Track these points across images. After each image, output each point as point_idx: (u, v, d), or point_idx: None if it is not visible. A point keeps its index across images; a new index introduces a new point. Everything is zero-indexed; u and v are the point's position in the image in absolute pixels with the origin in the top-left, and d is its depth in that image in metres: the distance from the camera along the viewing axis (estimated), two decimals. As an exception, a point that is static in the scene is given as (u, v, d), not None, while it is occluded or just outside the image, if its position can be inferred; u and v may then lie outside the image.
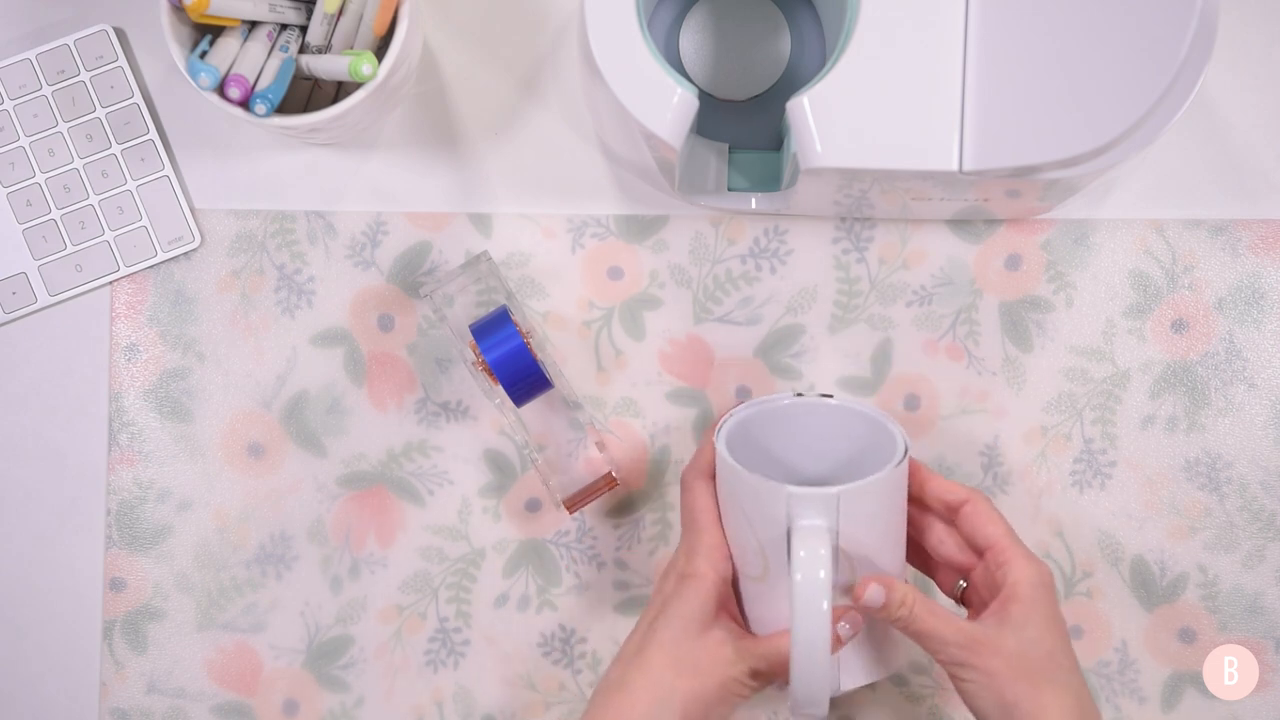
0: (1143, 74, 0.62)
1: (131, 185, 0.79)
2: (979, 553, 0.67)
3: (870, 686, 0.79)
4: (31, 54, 0.78)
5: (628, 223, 0.79)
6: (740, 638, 0.67)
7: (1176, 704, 0.78)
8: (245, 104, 0.70)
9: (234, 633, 0.79)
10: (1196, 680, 0.78)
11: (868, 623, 0.67)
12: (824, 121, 0.65)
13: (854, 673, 0.68)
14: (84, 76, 0.78)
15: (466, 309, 0.79)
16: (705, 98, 0.77)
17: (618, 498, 0.79)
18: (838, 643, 0.66)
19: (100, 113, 0.78)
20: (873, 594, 0.65)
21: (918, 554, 0.71)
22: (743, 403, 0.73)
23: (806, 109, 0.65)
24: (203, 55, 0.70)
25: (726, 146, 0.77)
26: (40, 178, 0.79)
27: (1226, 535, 0.78)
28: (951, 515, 0.69)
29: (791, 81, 0.78)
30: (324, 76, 0.72)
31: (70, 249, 0.79)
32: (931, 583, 0.72)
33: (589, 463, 0.79)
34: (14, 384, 0.80)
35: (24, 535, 0.80)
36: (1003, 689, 0.63)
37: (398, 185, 0.80)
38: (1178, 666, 0.79)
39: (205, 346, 0.79)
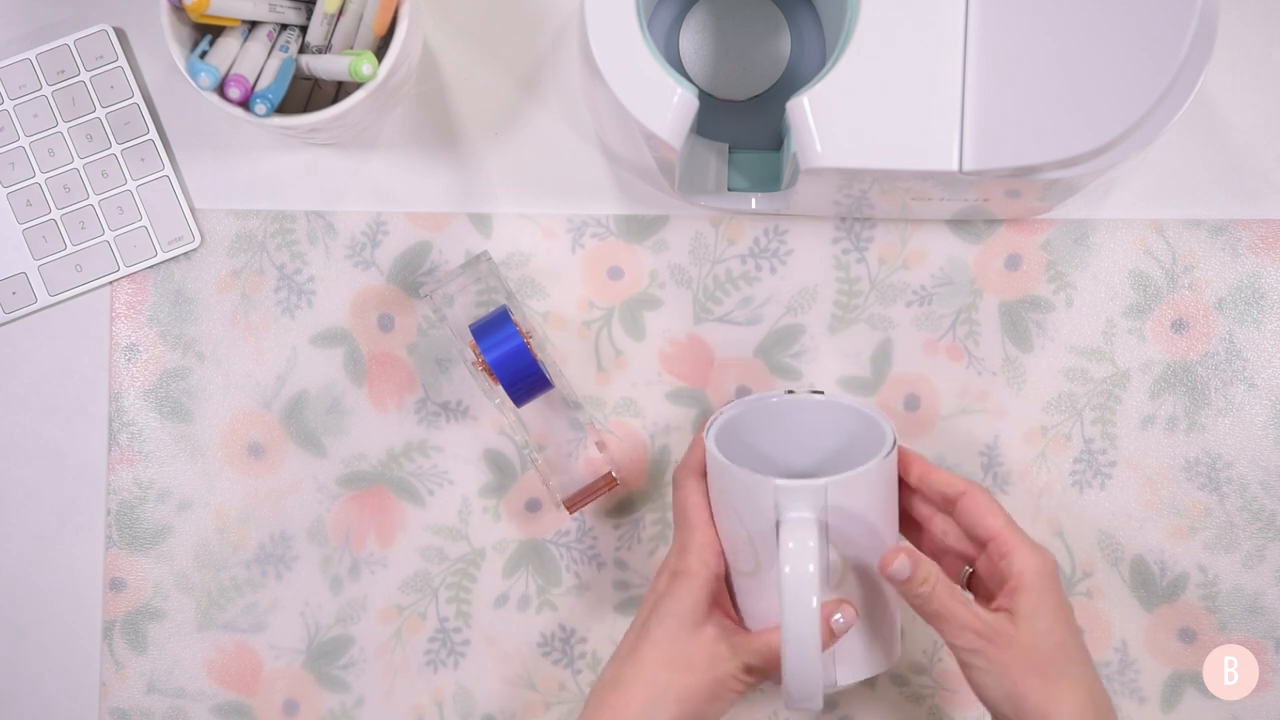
0: (1143, 74, 0.62)
1: (131, 185, 0.79)
2: (980, 545, 0.67)
3: (870, 686, 0.79)
4: (31, 54, 0.78)
5: (628, 223, 0.79)
6: (734, 633, 0.67)
7: (1176, 704, 0.78)
8: (245, 104, 0.70)
9: (234, 633, 0.79)
10: (1196, 680, 0.78)
11: (865, 614, 0.67)
12: (824, 121, 0.65)
13: (851, 667, 0.68)
14: (84, 76, 0.78)
15: (466, 309, 0.79)
16: (705, 98, 0.77)
17: (618, 498, 0.79)
18: (832, 636, 0.66)
19: (100, 113, 0.78)
20: (900, 565, 0.64)
21: (921, 543, 0.71)
22: (732, 401, 0.73)
23: (806, 109, 0.65)
24: (203, 55, 0.70)
25: (726, 146, 0.77)
26: (40, 178, 0.79)
27: (1226, 535, 0.78)
28: (949, 508, 0.69)
29: (791, 81, 0.78)
30: (324, 76, 0.72)
31: (70, 249, 0.79)
32: None
33: (589, 463, 0.79)
34: (14, 384, 0.80)
35: (24, 535, 0.80)
36: (1015, 681, 0.63)
37: (398, 185, 0.80)
38: (1178, 666, 0.79)
39: (205, 346, 0.79)
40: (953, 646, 0.65)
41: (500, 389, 0.74)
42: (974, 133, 0.64)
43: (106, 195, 0.79)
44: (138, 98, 0.78)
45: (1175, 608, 0.78)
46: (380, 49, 0.72)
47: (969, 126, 0.64)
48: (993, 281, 0.79)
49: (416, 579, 0.79)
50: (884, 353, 0.79)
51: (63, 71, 0.78)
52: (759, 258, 0.79)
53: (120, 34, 0.79)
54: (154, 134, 0.79)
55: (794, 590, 0.62)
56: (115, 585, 0.79)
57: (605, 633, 0.79)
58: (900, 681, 0.79)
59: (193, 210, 0.79)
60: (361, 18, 0.72)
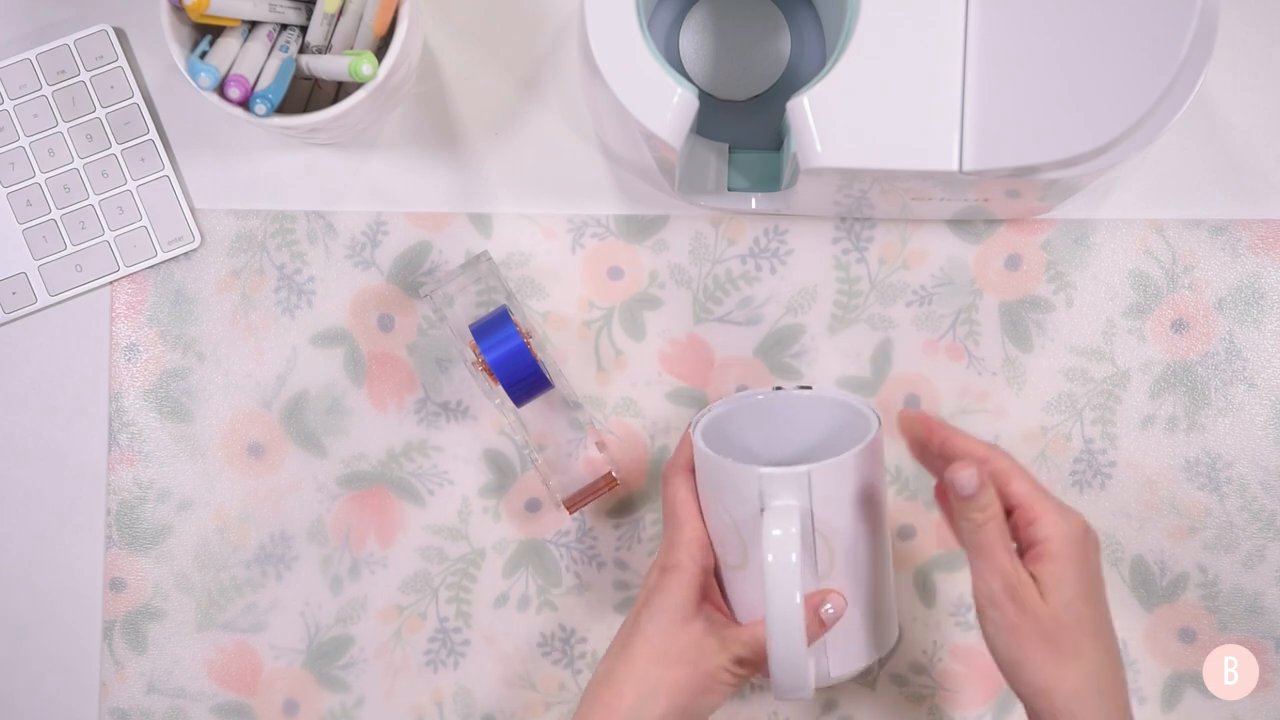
0: (1143, 74, 0.62)
1: (131, 185, 0.79)
2: (1006, 511, 0.65)
3: (870, 686, 0.79)
4: (31, 54, 0.78)
5: (628, 223, 0.79)
6: (723, 626, 0.67)
7: (1176, 704, 0.78)
8: (245, 104, 0.70)
9: (234, 633, 0.79)
10: (1197, 680, 0.78)
11: (856, 604, 0.67)
12: (824, 121, 0.65)
13: (844, 659, 0.68)
14: (84, 76, 0.78)
15: (466, 309, 0.79)
16: (705, 98, 0.77)
17: (618, 498, 0.79)
18: (822, 627, 0.66)
19: (100, 113, 0.78)
20: (967, 478, 0.62)
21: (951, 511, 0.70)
22: (720, 399, 0.74)
23: (806, 109, 0.65)
24: (203, 55, 0.70)
25: (726, 146, 0.77)
26: (40, 178, 0.79)
27: (1226, 535, 0.78)
28: None
29: (791, 81, 0.78)
30: (324, 76, 0.72)
31: (70, 249, 0.79)
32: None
33: (589, 463, 0.79)
34: (14, 384, 0.80)
35: (24, 535, 0.80)
36: (1022, 646, 0.62)
37: (398, 185, 0.80)
38: (1178, 666, 0.79)
39: (205, 346, 0.79)
40: (977, 592, 0.63)
41: (500, 389, 0.74)
42: (974, 133, 0.64)
43: (106, 195, 0.79)
44: (138, 98, 0.78)
45: (1175, 608, 0.78)
46: (380, 49, 0.72)
47: (969, 126, 0.64)
48: (993, 281, 0.79)
49: (416, 579, 0.79)
50: (884, 353, 0.79)
51: (63, 71, 0.78)
52: (759, 258, 0.79)
53: (120, 34, 0.79)
54: (154, 134, 0.79)
55: (777, 577, 0.62)
56: (115, 585, 0.79)
57: (605, 633, 0.79)
58: (900, 681, 0.79)
59: (193, 210, 0.79)
60: (361, 18, 0.72)
